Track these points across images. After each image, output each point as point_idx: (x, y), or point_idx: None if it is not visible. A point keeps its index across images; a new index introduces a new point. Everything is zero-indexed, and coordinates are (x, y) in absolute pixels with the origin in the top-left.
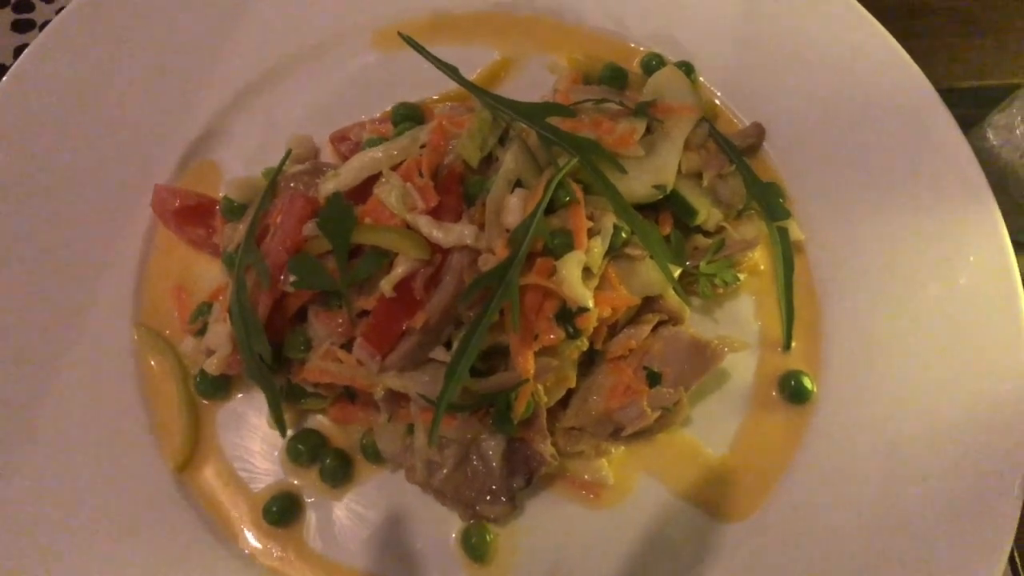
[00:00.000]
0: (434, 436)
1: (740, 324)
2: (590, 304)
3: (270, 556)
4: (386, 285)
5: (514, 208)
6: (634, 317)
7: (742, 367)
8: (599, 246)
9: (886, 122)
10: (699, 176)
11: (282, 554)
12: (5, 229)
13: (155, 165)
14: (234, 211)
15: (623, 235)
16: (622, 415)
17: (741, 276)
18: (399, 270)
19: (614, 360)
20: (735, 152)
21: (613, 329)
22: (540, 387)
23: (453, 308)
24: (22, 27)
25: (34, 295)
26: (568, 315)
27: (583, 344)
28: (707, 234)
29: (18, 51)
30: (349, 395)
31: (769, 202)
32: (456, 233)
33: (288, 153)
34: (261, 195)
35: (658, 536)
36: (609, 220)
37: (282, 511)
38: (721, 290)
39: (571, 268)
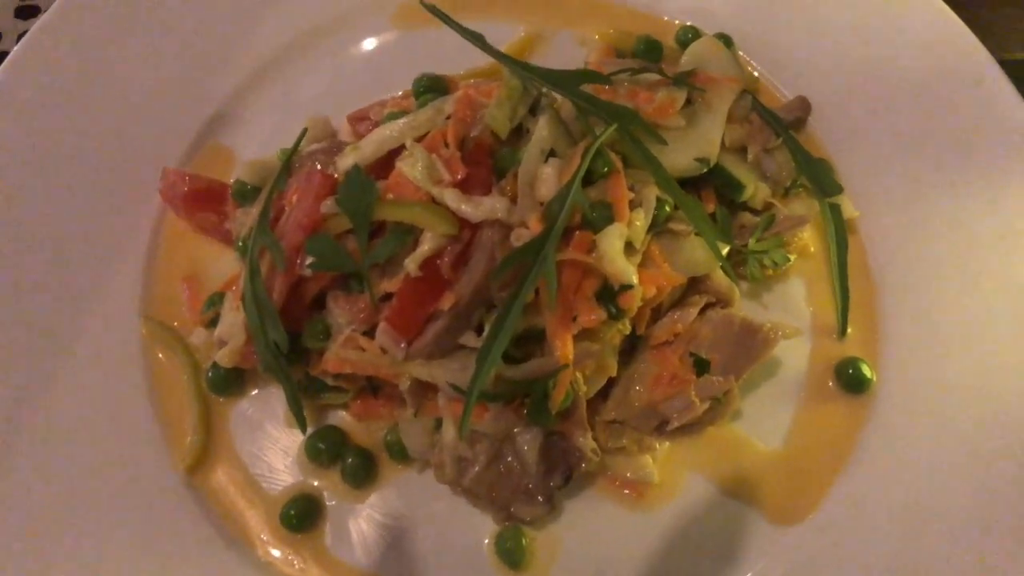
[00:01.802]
0: (464, 429)
1: (791, 309)
2: (634, 280)
3: (288, 564)
4: (411, 264)
5: (548, 179)
6: (679, 299)
7: (794, 355)
8: (642, 219)
9: (942, 94)
10: (743, 150)
11: (301, 561)
12: (9, 216)
13: (165, 150)
14: (247, 195)
15: (667, 208)
16: (668, 407)
17: (791, 256)
18: (425, 247)
19: (658, 346)
20: (781, 125)
21: (657, 313)
22: (579, 375)
23: (484, 288)
24: (26, 13)
25: (37, 285)
26: (610, 294)
27: (625, 327)
28: (754, 212)
29: (22, 37)
30: (372, 388)
31: (820, 177)
32: (486, 206)
33: (304, 131)
34: (276, 175)
35: (707, 539)
36: (652, 192)
37: (301, 515)
38: (771, 271)
39: (612, 242)
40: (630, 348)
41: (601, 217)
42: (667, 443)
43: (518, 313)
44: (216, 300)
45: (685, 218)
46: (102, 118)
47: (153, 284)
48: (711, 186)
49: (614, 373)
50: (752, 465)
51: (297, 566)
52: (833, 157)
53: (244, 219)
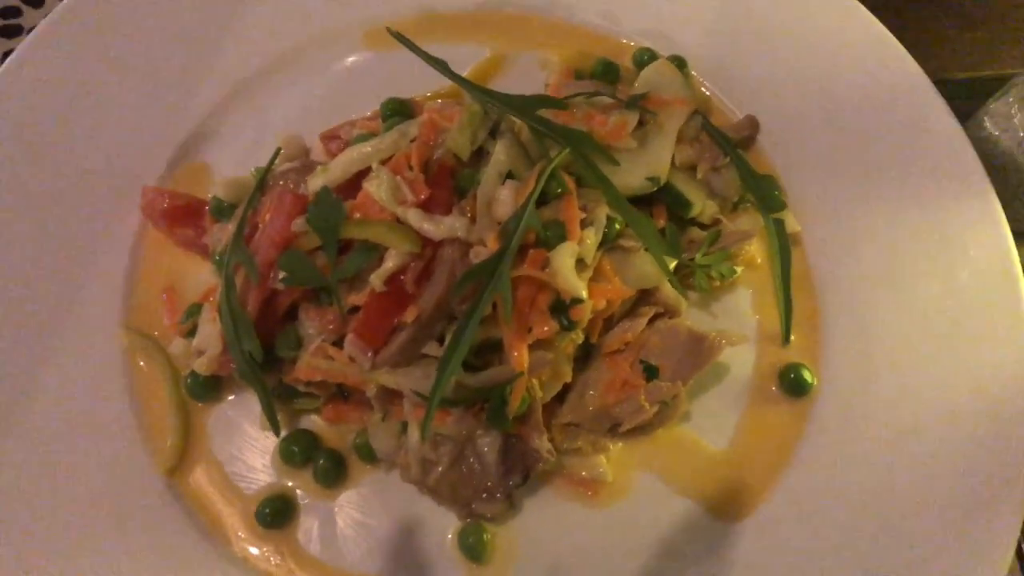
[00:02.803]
0: (426, 432)
1: (738, 317)
2: (584, 295)
3: (264, 560)
4: (376, 279)
5: (505, 200)
6: (630, 310)
7: (741, 361)
8: (592, 237)
9: (882, 113)
10: (693, 169)
11: (276, 557)
12: None
13: (145, 167)
14: (223, 211)
15: (617, 226)
16: (620, 410)
17: (738, 269)
18: (390, 264)
19: (610, 354)
20: (729, 144)
21: (609, 323)
22: (535, 382)
23: (445, 302)
24: (9, 32)
25: (20, 298)
26: (562, 307)
27: (578, 337)
28: (703, 227)
29: (5, 56)
30: (342, 394)
31: (764, 193)
32: (447, 225)
33: (277, 151)
34: (250, 193)
35: (659, 534)
36: (602, 211)
37: (275, 513)
38: (718, 283)
39: (564, 259)
40: (584, 355)
41: (554, 236)
42: (620, 444)
43: (476, 325)
44: (194, 311)
45: (635, 235)
46: (85, 137)
47: (134, 295)
48: (662, 203)
49: (569, 379)
50: (700, 464)
51: (272, 562)
52: (779, 173)
53: (220, 234)
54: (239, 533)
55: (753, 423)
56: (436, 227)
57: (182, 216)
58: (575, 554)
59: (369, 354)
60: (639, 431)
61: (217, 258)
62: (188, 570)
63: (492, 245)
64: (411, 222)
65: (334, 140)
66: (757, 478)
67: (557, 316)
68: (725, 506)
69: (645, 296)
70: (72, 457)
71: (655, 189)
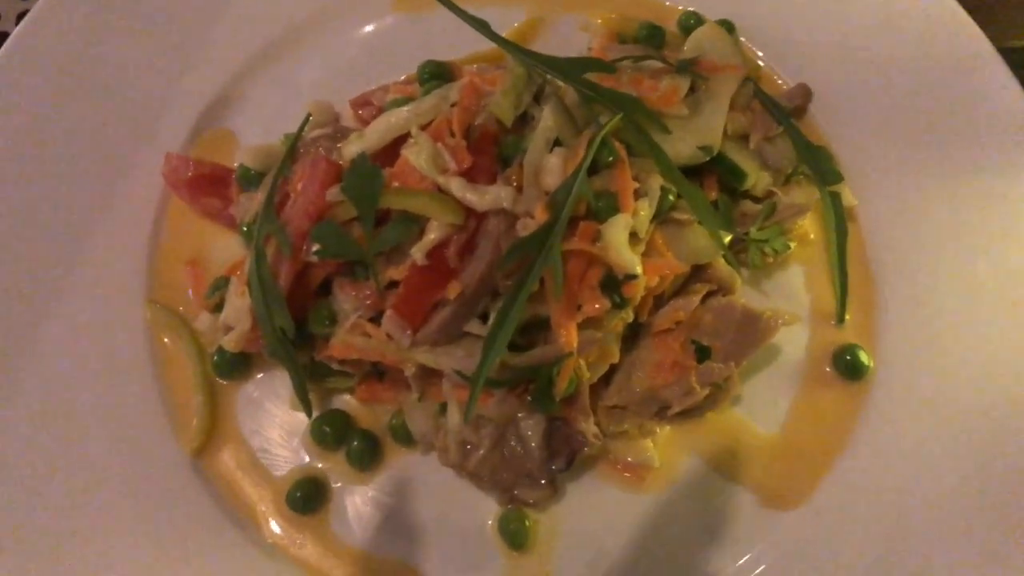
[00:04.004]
0: (470, 414)
1: (790, 296)
2: (638, 270)
3: (294, 545)
4: (418, 253)
5: (554, 169)
6: (681, 287)
7: (793, 341)
8: (646, 209)
9: (942, 82)
10: (745, 138)
11: (306, 542)
12: (10, 200)
13: (167, 134)
14: (251, 180)
15: (670, 198)
16: (669, 392)
17: (791, 244)
18: (431, 236)
19: (660, 333)
20: (783, 113)
21: (659, 300)
22: (582, 362)
23: (489, 277)
24: None
25: (40, 271)
26: (614, 283)
27: (628, 316)
28: (755, 200)
29: (21, 17)
30: (377, 373)
31: (820, 166)
32: (492, 196)
33: (308, 117)
34: (279, 161)
35: (706, 522)
36: (656, 182)
37: (307, 497)
38: (771, 259)
39: (617, 232)
40: (632, 335)
41: (606, 207)
42: (667, 428)
43: (523, 302)
44: (221, 285)
45: (688, 207)
46: (105, 101)
47: (157, 269)
48: (713, 174)
49: (616, 360)
50: (750, 449)
51: (302, 547)
52: (833, 145)
53: (248, 204)
54: (268, 517)
55: (806, 407)
56: (480, 197)
57: (207, 185)
58: (619, 542)
59: (408, 332)
60: (688, 414)
61: (245, 229)
62: (215, 555)
63: (540, 217)
64: (453, 192)
65: (365, 106)
66: (810, 465)
67: (608, 293)
68: (776, 494)
69: (697, 272)
70: (95, 437)
71: (707, 159)
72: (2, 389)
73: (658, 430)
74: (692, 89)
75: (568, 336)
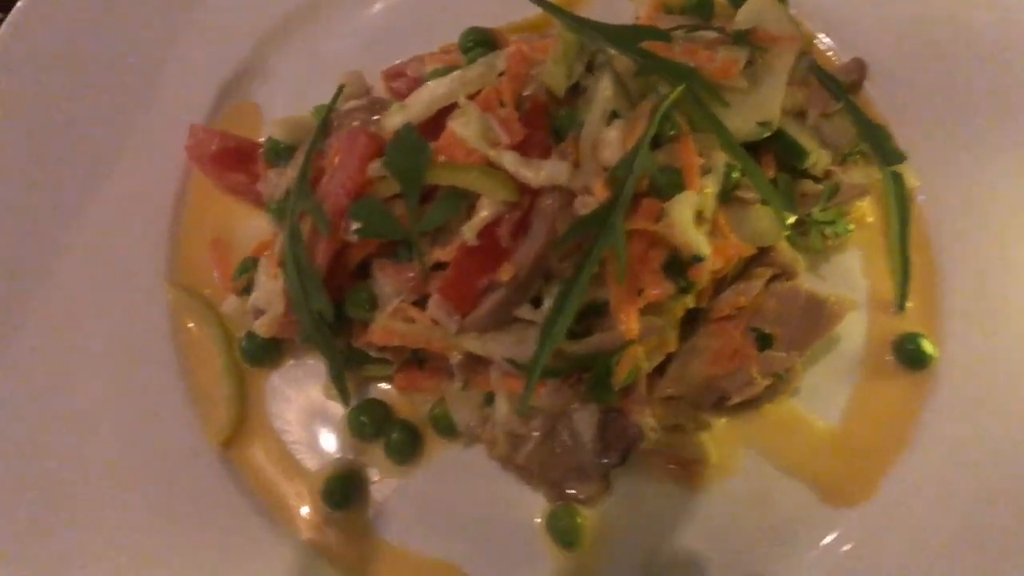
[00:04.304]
0: (524, 406)
1: (846, 281)
2: (706, 252)
3: (330, 542)
4: (469, 232)
5: (613, 142)
6: (741, 272)
7: (851, 329)
8: (712, 186)
9: (1012, 56)
10: (801, 115)
11: (343, 540)
12: (24, 175)
13: (187, 107)
14: (280, 154)
15: (734, 175)
16: (727, 383)
17: (851, 227)
18: (484, 213)
19: (719, 320)
20: (841, 88)
21: (718, 285)
22: (640, 351)
23: (544, 259)
24: None
25: (54, 253)
26: (678, 266)
27: (690, 301)
28: (814, 180)
29: None
30: (417, 360)
31: (882, 145)
32: (548, 171)
33: (341, 87)
34: (312, 134)
35: (764, 519)
36: (720, 158)
37: (344, 492)
38: (830, 242)
39: (683, 210)
40: (688, 321)
41: (670, 184)
42: (722, 420)
43: (585, 285)
44: (249, 266)
45: (751, 186)
46: (123, 72)
47: (179, 249)
48: (770, 152)
49: (674, 348)
50: (809, 443)
51: (339, 544)
52: (888, 122)
53: (277, 180)
54: (302, 513)
55: (866, 398)
56: (536, 173)
57: (233, 160)
58: (672, 540)
59: (456, 317)
60: (745, 406)
61: (274, 207)
62: (246, 553)
63: (600, 193)
64: (506, 166)
65: (399, 78)
66: (872, 460)
67: (672, 276)
68: (836, 489)
69: (757, 256)
70: (116, 429)
71: (766, 135)
72: (18, 380)
73: (713, 423)
74: (749, 62)
75: (629, 322)
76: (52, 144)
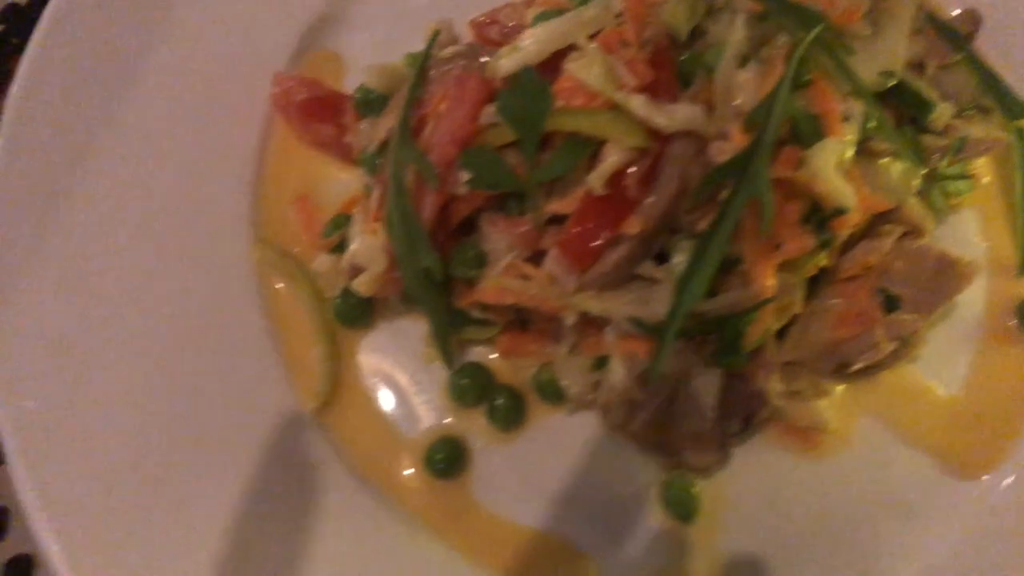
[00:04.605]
0: (657, 370)
1: (964, 242)
2: (853, 203)
3: (431, 511)
4: (597, 180)
5: (747, 85)
6: (867, 230)
7: (970, 294)
8: (853, 134)
9: None
10: (920, 67)
11: (446, 510)
12: (104, 125)
13: (267, 56)
14: (371, 104)
15: (870, 125)
16: (850, 347)
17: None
18: (613, 159)
19: (845, 281)
20: (960, 39)
21: (845, 244)
22: (773, 310)
23: (673, 210)
24: None
25: (132, 207)
26: (819, 218)
27: (823, 258)
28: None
29: None
30: (520, 322)
31: (1006, 98)
32: (683, 115)
33: (436, 32)
34: (411, 81)
35: (885, 490)
36: (858, 105)
37: (448, 460)
38: (953, 200)
39: (828, 158)
40: (809, 283)
41: (811, 130)
42: (840, 387)
43: (726, 237)
44: (341, 222)
45: (880, 138)
46: (199, 21)
47: (261, 208)
48: (890, 105)
49: (799, 310)
50: (930, 411)
51: (439, 513)
52: (1007, 78)
53: (371, 131)
54: (401, 480)
55: (989, 365)
56: (669, 117)
57: (321, 110)
58: (790, 511)
59: (575, 273)
60: (865, 372)
61: (366, 159)
62: (343, 519)
63: (738, 139)
64: (635, 111)
65: (491, 26)
66: (997, 429)
67: (813, 229)
68: (959, 460)
69: (883, 213)
70: (209, 395)
71: (889, 86)
72: (104, 349)
73: (832, 390)
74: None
75: (765, 279)
76: (128, 95)
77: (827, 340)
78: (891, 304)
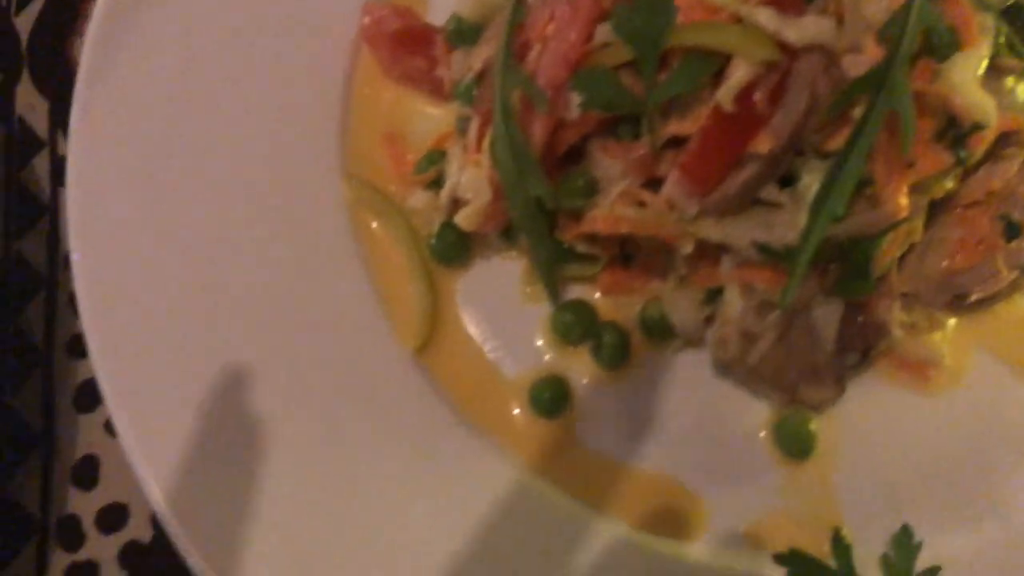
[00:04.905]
0: (788, 297)
1: None
2: (994, 118)
3: (537, 452)
4: (726, 95)
5: None
6: (990, 152)
7: None
8: (987, 47)
9: None
10: None
11: (551, 450)
12: (184, 61)
13: None
14: (464, 34)
15: (1001, 39)
16: (968, 277)
17: None
18: (740, 74)
19: (966, 207)
20: None
21: (967, 168)
22: (905, 231)
23: (801, 128)
24: None
25: (220, 147)
26: (955, 135)
27: (951, 180)
28: None
29: None
30: (624, 257)
31: None
32: (813, 28)
33: None
34: (511, 4)
35: (1002, 428)
36: (988, 18)
37: (553, 398)
38: None
39: (967, 70)
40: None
41: (948, 41)
42: (954, 319)
43: (863, 155)
44: (436, 158)
45: (1010, 54)
46: None
47: (350, 146)
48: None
49: (919, 237)
50: None
51: (545, 454)
52: None
53: (465, 62)
54: (504, 421)
55: None
56: (799, 31)
57: (412, 42)
58: (905, 448)
59: (697, 198)
60: (981, 304)
61: (462, 91)
62: (449, 461)
63: (872, 52)
64: (762, 24)
65: None
66: None
67: (949, 147)
68: None
69: (1008, 135)
70: (306, 340)
71: (1009, 4)
72: (200, 292)
73: (947, 322)
74: None
75: (898, 199)
76: (213, 28)
77: (944, 270)
78: (1012, 231)
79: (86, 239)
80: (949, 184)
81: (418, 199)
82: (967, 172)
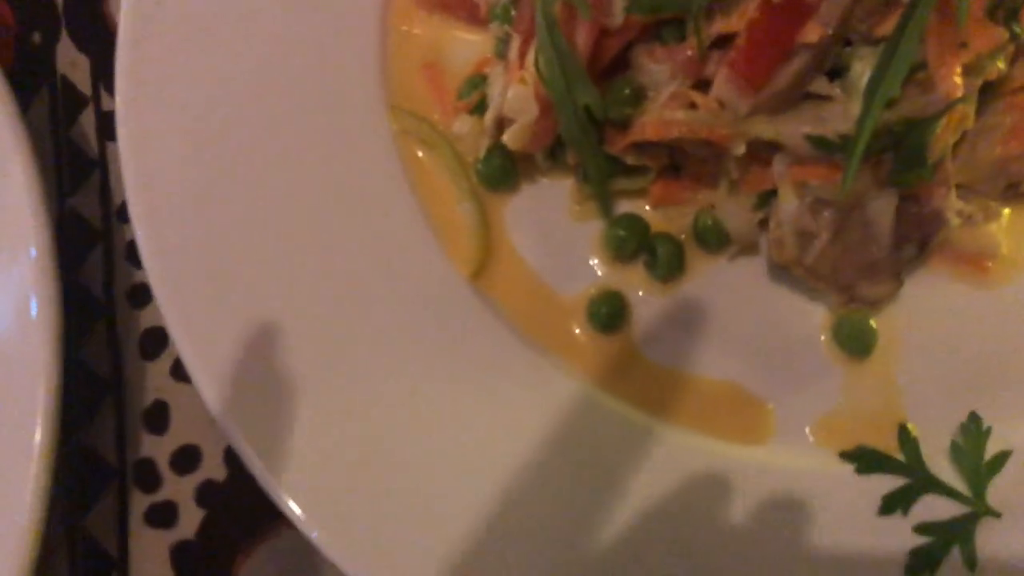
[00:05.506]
0: (845, 187)
1: None
2: None
3: (598, 367)
4: None
5: None
6: None
7: None
8: None
9: None
10: None
11: (612, 364)
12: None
13: None
14: None
15: None
16: (1021, 165)
17: None
18: None
19: (1015, 92)
20: None
21: (1015, 52)
22: (961, 113)
23: (850, 15)
24: None
25: (258, 88)
26: (1008, 10)
27: (1003, 61)
28: None
29: None
30: (673, 168)
31: None
32: None
33: None
34: None
35: None
36: None
37: (611, 313)
38: None
39: None
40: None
41: None
42: (1009, 209)
43: (917, 33)
44: (477, 82)
45: None
46: None
47: (390, 77)
48: None
49: (971, 124)
50: None
51: (607, 368)
52: None
53: None
54: (564, 340)
55: None
56: None
57: None
58: (966, 342)
59: (748, 95)
60: None
61: (500, 10)
62: (513, 382)
63: None
64: None
65: None
66: None
67: (1002, 22)
68: None
69: None
70: (364, 274)
71: None
72: (253, 228)
73: (1003, 212)
74: None
75: (950, 80)
76: None
77: (997, 157)
78: None
79: (142, 189)
80: (1002, 64)
81: (463, 124)
82: (1018, 53)
